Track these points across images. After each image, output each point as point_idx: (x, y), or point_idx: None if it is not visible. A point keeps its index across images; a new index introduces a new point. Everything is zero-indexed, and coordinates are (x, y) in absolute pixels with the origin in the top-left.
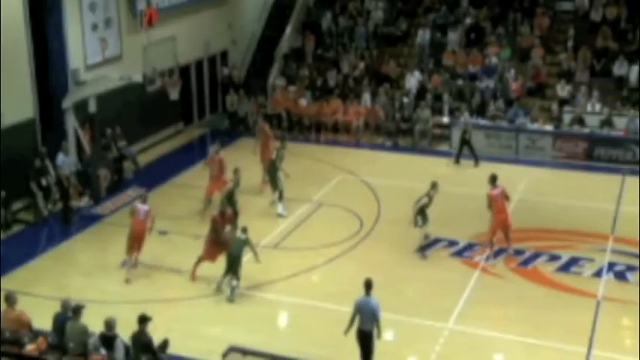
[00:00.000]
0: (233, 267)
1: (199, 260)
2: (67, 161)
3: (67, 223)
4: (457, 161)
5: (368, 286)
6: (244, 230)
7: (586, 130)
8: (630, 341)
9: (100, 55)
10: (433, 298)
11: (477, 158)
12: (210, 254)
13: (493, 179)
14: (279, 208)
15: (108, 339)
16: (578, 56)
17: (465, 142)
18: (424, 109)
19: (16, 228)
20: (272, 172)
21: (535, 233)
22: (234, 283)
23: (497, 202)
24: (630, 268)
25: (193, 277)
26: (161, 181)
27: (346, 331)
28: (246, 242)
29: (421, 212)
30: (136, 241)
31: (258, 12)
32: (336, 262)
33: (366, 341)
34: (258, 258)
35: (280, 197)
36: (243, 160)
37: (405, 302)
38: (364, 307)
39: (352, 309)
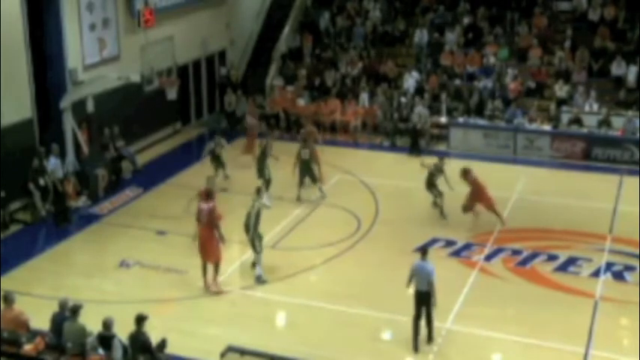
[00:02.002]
0: (309, 175)
1: (216, 267)
2: (58, 164)
3: (60, 226)
4: (412, 154)
5: (424, 252)
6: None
7: (584, 130)
8: (628, 341)
9: (97, 55)
10: None
11: (419, 152)
12: (218, 254)
13: (465, 172)
14: (265, 198)
15: (106, 339)
16: (576, 56)
17: (416, 133)
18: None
19: (14, 228)
20: (260, 165)
21: (533, 233)
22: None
23: (478, 184)
24: (628, 268)
25: (219, 289)
26: (159, 180)
27: (407, 286)
28: (312, 156)
29: (434, 186)
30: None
31: (256, 12)
32: (334, 262)
33: (424, 300)
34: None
35: (267, 187)
36: (241, 160)
37: (402, 302)
38: (421, 270)
39: (409, 272)
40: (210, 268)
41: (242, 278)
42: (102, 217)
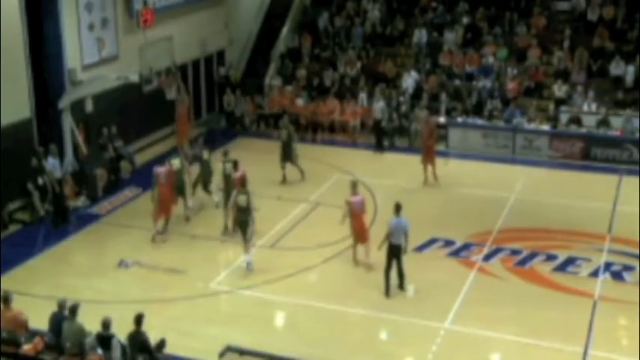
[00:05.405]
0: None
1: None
2: (56, 164)
3: (57, 226)
4: (377, 151)
5: (398, 208)
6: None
7: (583, 130)
8: (627, 341)
9: (96, 55)
10: (430, 298)
11: (382, 149)
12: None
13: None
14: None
15: (104, 339)
16: (574, 56)
17: (380, 130)
18: (421, 108)
19: (13, 228)
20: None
21: (532, 233)
22: None
23: None
24: (627, 268)
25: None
26: None
27: (380, 246)
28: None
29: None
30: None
31: (255, 12)
32: (333, 262)
33: (398, 253)
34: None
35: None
36: (240, 160)
37: (401, 302)
38: (397, 226)
39: (387, 229)
40: (161, 221)
41: (241, 278)
42: (101, 217)
